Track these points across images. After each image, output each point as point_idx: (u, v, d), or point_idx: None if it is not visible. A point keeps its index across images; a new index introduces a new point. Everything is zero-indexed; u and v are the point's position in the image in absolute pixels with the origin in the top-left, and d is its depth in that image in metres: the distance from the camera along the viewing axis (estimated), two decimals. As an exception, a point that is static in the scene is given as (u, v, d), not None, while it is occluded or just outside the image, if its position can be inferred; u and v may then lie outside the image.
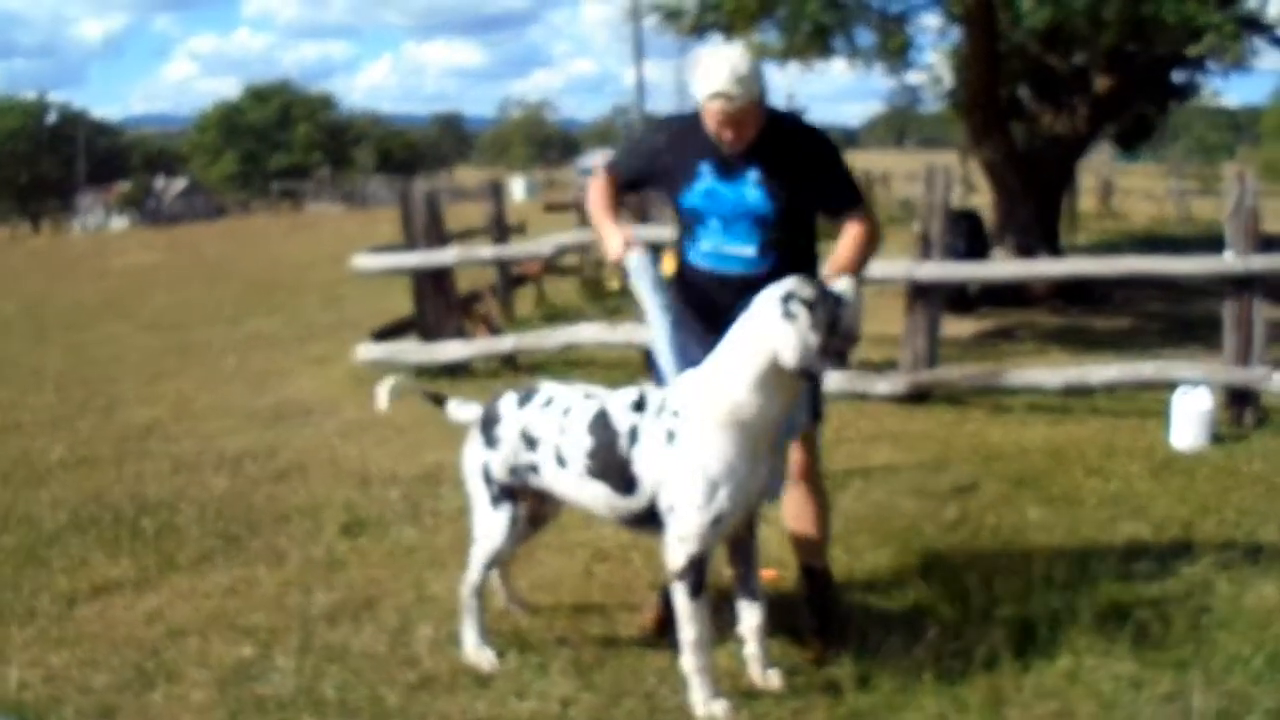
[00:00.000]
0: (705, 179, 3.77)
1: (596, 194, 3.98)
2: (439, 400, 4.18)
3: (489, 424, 3.84)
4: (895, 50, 15.53)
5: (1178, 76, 15.88)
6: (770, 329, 3.26)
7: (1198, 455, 6.49)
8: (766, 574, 3.84)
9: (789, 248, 3.78)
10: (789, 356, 3.21)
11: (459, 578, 4.58)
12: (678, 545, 3.41)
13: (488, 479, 3.81)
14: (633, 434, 3.48)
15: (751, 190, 3.73)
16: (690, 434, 3.38)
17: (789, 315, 3.25)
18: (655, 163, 3.94)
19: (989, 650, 3.71)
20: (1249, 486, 5.83)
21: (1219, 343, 7.56)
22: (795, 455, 3.85)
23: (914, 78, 16.72)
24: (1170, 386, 7.39)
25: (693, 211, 3.82)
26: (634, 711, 3.51)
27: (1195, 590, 4.21)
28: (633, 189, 4.16)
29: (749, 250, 3.76)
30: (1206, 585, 4.24)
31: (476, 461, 3.85)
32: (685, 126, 3.80)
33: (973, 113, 13.63)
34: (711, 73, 3.58)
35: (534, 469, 3.72)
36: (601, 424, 3.56)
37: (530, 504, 3.86)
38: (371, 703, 3.62)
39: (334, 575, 4.80)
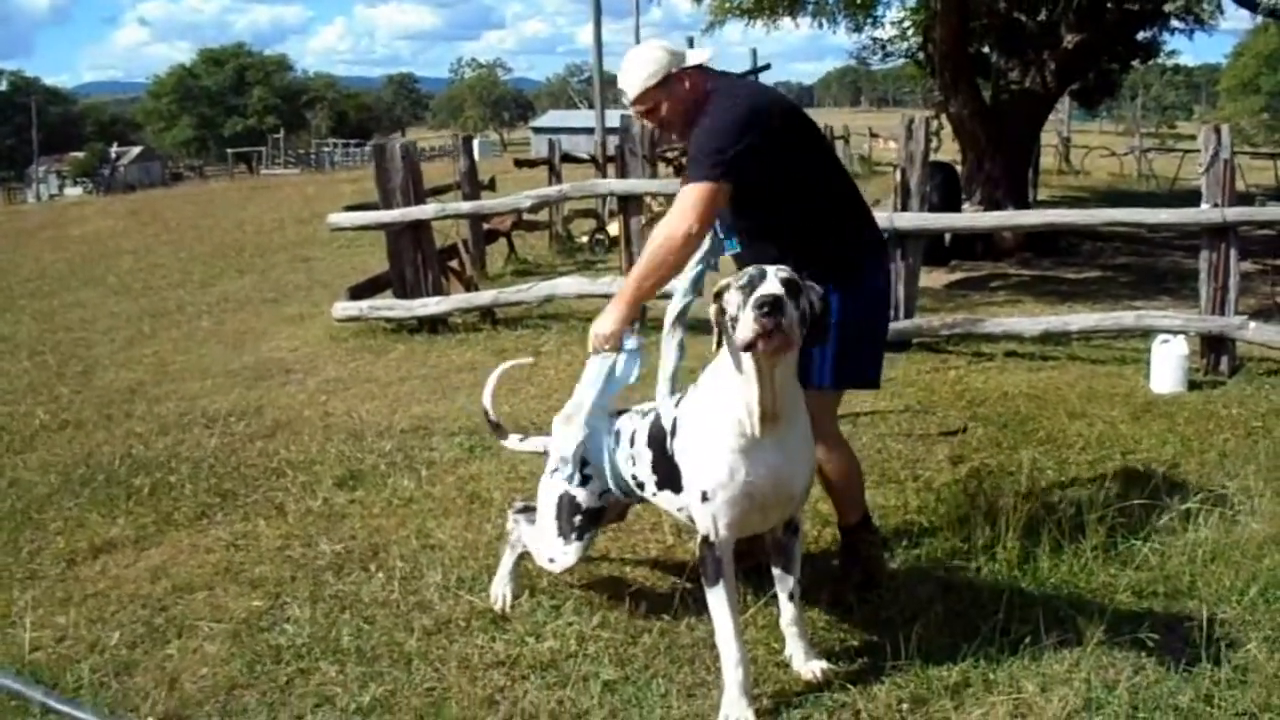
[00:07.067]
0: None
1: None
2: (499, 430, 4.23)
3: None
4: (861, 6, 15.59)
5: (1142, 34, 16.01)
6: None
7: (1176, 400, 6.62)
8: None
9: (754, 227, 3.74)
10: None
11: (462, 524, 4.67)
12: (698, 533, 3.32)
13: (574, 511, 3.72)
14: (672, 429, 3.41)
15: None
16: (687, 424, 3.33)
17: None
18: None
19: (995, 581, 3.80)
20: (1229, 429, 5.96)
21: (1187, 293, 7.68)
22: None
23: (879, 33, 16.81)
24: (1144, 335, 7.55)
25: None
26: (652, 646, 3.56)
27: (1186, 526, 4.31)
28: None
29: (728, 234, 3.84)
30: (1196, 521, 4.34)
31: (555, 495, 3.75)
32: None
33: (942, 68, 13.70)
34: None
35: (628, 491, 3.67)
36: (655, 429, 3.50)
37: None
38: (389, 648, 3.64)
39: (335, 526, 4.80)
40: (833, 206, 3.80)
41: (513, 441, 4.21)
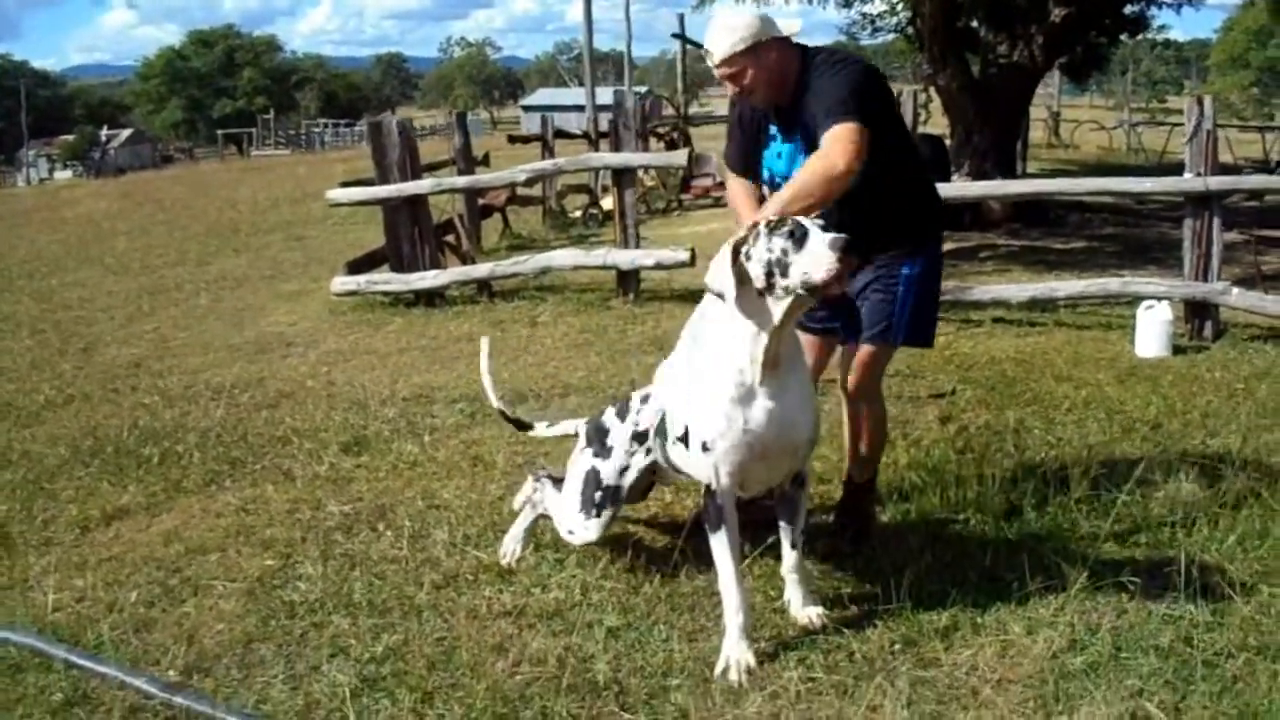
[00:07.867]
0: (775, 142, 3.85)
1: (733, 198, 3.97)
2: (524, 425, 4.35)
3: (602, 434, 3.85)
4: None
5: (1130, 8, 16.10)
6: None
7: (1161, 364, 6.77)
8: None
9: (861, 183, 3.57)
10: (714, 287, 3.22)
11: (466, 485, 4.79)
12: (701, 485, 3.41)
13: (596, 487, 3.77)
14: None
15: (774, 150, 3.85)
16: (694, 375, 3.38)
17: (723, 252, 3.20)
18: (747, 134, 3.94)
19: (982, 532, 3.95)
20: (1211, 392, 6.11)
21: (1173, 263, 7.81)
22: (850, 376, 3.95)
23: (869, 8, 16.90)
24: (1130, 302, 7.69)
25: (771, 178, 3.89)
26: (653, 595, 3.69)
27: (1168, 481, 4.44)
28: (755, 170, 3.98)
29: None
30: (1178, 476, 4.47)
31: (583, 469, 3.83)
32: None
33: (930, 43, 13.78)
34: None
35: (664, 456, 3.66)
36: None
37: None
38: (400, 601, 3.76)
39: (343, 489, 4.92)
40: (919, 168, 4.03)
41: (540, 429, 4.30)
